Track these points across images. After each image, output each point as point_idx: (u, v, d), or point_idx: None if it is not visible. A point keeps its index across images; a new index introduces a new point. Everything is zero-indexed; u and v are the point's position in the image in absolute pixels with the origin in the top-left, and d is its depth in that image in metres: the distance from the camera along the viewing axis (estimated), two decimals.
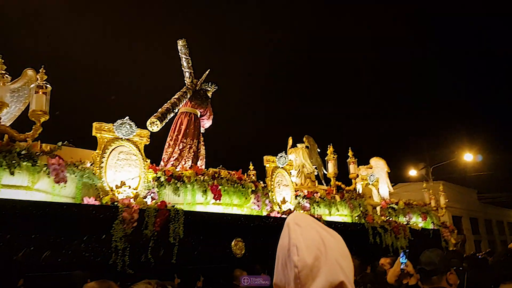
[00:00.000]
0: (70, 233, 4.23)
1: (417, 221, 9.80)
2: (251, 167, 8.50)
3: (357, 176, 8.58)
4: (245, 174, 7.74)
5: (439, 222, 10.48)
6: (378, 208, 8.66)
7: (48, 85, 4.46)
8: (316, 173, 8.50)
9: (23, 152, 4.01)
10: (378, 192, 9.26)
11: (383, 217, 8.65)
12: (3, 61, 4.44)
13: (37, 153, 4.06)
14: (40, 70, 4.50)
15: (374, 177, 9.10)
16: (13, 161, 3.90)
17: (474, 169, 22.17)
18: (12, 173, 3.89)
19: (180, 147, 6.48)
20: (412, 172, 21.23)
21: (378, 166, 10.10)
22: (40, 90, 4.40)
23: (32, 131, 4.36)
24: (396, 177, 10.34)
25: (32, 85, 4.49)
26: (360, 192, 8.51)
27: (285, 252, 1.41)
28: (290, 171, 7.38)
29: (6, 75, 4.40)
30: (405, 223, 9.15)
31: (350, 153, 8.62)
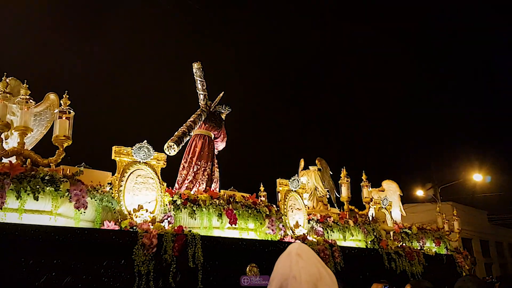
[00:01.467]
0: (90, 258, 4.24)
1: (431, 246, 9.70)
2: (262, 188, 8.51)
3: (371, 200, 8.55)
4: (256, 194, 7.78)
5: (452, 247, 10.37)
6: (391, 233, 8.60)
7: (71, 111, 4.54)
8: (328, 196, 8.48)
9: (46, 177, 4.06)
10: (391, 216, 9.21)
11: (396, 242, 8.58)
12: (27, 86, 4.53)
13: (61, 179, 4.10)
14: (64, 96, 4.58)
15: (387, 201, 9.07)
16: (37, 186, 3.94)
17: (483, 190, 21.99)
18: (36, 198, 3.93)
19: (195, 170, 6.52)
20: (419, 193, 21.07)
21: (391, 189, 10.07)
22: (64, 115, 4.48)
23: (55, 156, 4.42)
24: (402, 198, 10.30)
25: (55, 110, 4.57)
26: (374, 216, 8.46)
27: (283, 281, 1.50)
28: (303, 194, 7.39)
29: (31, 100, 4.49)
30: (418, 248, 9.07)
31: (364, 177, 8.60)
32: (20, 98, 4.38)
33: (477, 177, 19.83)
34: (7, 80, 4.64)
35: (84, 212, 4.36)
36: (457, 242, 11.33)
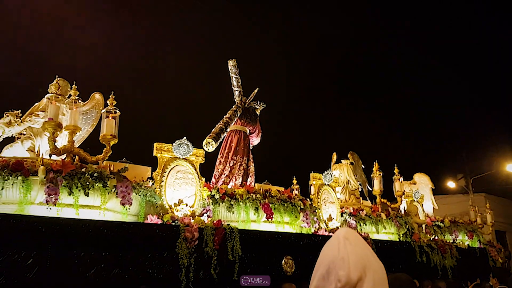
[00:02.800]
0: (136, 251, 4.46)
1: (463, 239, 9.62)
2: (295, 181, 8.62)
3: (403, 193, 8.53)
4: (290, 188, 7.89)
5: (486, 240, 10.24)
6: (423, 226, 8.58)
7: (117, 111, 4.75)
8: (360, 190, 8.52)
9: (95, 174, 4.29)
10: (423, 209, 9.17)
11: (428, 235, 8.56)
12: (76, 87, 4.76)
13: (108, 175, 4.32)
14: (110, 96, 4.80)
15: (419, 194, 9.03)
16: (87, 183, 4.17)
17: None
18: (86, 194, 4.16)
19: (231, 165, 6.68)
20: (451, 184, 20.66)
21: (422, 182, 10.01)
22: (110, 115, 4.69)
23: (102, 153, 4.64)
24: (433, 189, 10.20)
25: (103, 110, 4.79)
26: (406, 209, 8.46)
27: (330, 263, 1.42)
28: (336, 188, 7.46)
29: (79, 101, 4.72)
30: (451, 241, 9.01)
31: (396, 171, 8.59)
32: (70, 99, 4.61)
33: (511, 167, 19.31)
34: (57, 80, 4.89)
35: (129, 208, 4.58)
36: (490, 235, 11.15)
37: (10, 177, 3.95)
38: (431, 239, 8.46)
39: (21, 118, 4.87)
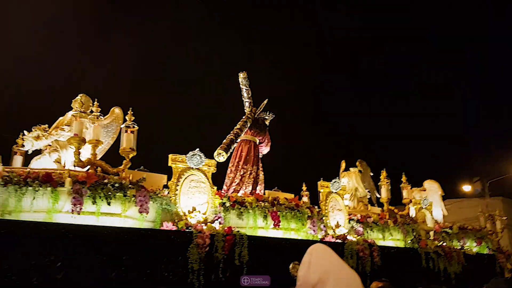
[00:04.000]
0: (153, 255, 4.85)
1: (471, 246, 9.75)
2: (304, 188, 8.91)
3: (410, 201, 8.75)
4: (299, 194, 8.19)
5: (495, 246, 10.34)
6: (431, 233, 8.77)
7: (135, 125, 5.16)
8: (369, 197, 8.77)
9: (116, 184, 4.69)
10: (432, 216, 9.35)
11: (436, 242, 8.74)
12: (98, 103, 5.19)
13: (128, 186, 4.72)
14: (129, 112, 5.21)
15: (428, 201, 9.22)
16: (109, 193, 4.58)
17: None
18: (109, 204, 4.57)
19: (241, 173, 7.04)
20: (466, 188, 20.56)
21: (432, 189, 10.17)
22: (129, 129, 5.11)
23: (122, 165, 5.05)
24: (449, 192, 10.33)
25: (122, 125, 5.21)
26: (414, 216, 8.67)
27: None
28: (343, 195, 7.74)
29: (101, 116, 5.14)
30: (459, 247, 9.17)
31: (403, 178, 8.82)
32: (93, 114, 5.04)
33: None
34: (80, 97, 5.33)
35: (147, 215, 4.97)
36: (503, 238, 11.16)
37: (40, 188, 4.38)
38: (438, 245, 8.63)
39: (48, 132, 5.32)
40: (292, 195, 7.73)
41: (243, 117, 7.33)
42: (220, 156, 6.40)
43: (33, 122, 5.69)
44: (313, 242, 6.49)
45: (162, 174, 6.34)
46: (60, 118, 5.49)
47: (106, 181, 4.67)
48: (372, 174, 8.95)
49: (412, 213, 9.07)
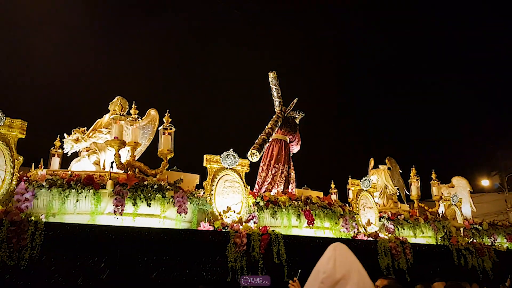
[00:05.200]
0: (191, 255, 4.91)
1: (502, 242, 9.61)
2: (333, 185, 8.90)
3: (441, 198, 8.66)
4: (329, 195, 8.18)
5: None
6: (461, 230, 8.67)
7: (172, 127, 5.21)
8: (398, 194, 8.70)
9: (155, 186, 4.75)
10: (461, 213, 9.24)
11: (466, 238, 8.65)
12: (136, 106, 5.26)
13: (167, 187, 4.78)
14: (166, 115, 5.27)
15: (457, 198, 9.11)
16: (149, 194, 4.64)
17: None
18: (149, 205, 4.64)
19: (273, 172, 7.06)
20: (485, 182, 20.23)
21: (460, 185, 10.05)
22: (166, 131, 5.16)
23: (161, 167, 5.12)
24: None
25: (160, 127, 5.27)
26: (443, 213, 8.58)
27: (318, 266, 1.94)
28: (374, 193, 7.70)
29: (139, 118, 5.20)
30: (489, 244, 9.05)
31: (433, 175, 8.72)
32: (131, 117, 5.11)
33: None
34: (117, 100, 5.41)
35: (185, 216, 5.03)
36: None
37: (83, 191, 4.47)
38: (469, 242, 8.54)
39: (86, 135, 5.41)
40: (321, 193, 7.74)
41: (274, 116, 7.34)
42: (254, 156, 6.43)
43: (68, 125, 5.83)
44: (347, 240, 6.53)
45: (194, 174, 6.41)
46: (98, 120, 5.59)
47: (145, 182, 4.74)
48: (401, 171, 8.87)
49: (442, 209, 8.98)
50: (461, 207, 9.50)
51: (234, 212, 5.72)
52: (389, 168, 8.68)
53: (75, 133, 5.28)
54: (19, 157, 4.45)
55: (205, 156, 5.76)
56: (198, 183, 6.34)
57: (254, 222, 5.74)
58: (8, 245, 3.80)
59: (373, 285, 1.80)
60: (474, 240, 8.90)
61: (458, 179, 10.19)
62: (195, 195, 5.31)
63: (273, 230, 5.63)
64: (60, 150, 5.90)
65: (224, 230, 5.25)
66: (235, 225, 5.34)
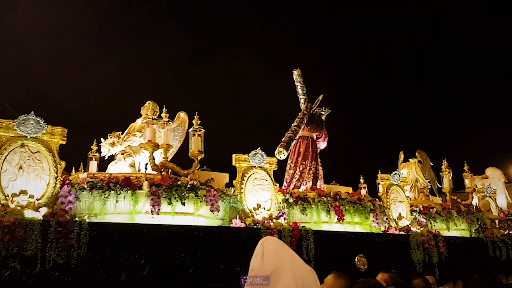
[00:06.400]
0: (225, 252, 5.09)
1: None
2: (362, 180, 8.91)
3: (474, 190, 8.54)
4: (359, 190, 8.21)
5: None
6: (496, 221, 8.53)
7: (202, 129, 5.42)
8: (429, 187, 8.63)
9: (188, 185, 4.96)
10: (496, 204, 9.08)
11: (502, 230, 8.49)
12: (166, 110, 5.49)
13: (200, 186, 4.98)
14: (195, 117, 5.48)
15: (491, 189, 8.96)
16: (183, 194, 4.86)
17: None
18: (183, 204, 4.85)
19: (301, 169, 7.17)
20: None
21: (495, 176, 9.85)
22: (196, 133, 5.37)
23: (192, 167, 5.33)
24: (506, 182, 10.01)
25: (190, 130, 5.49)
26: (477, 205, 8.46)
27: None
28: (404, 186, 7.68)
29: (169, 121, 5.43)
30: None
31: (465, 167, 8.61)
32: (162, 120, 5.35)
33: None
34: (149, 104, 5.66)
35: (218, 214, 5.22)
36: None
37: (122, 192, 4.72)
38: (505, 234, 8.38)
39: (121, 138, 5.69)
40: (350, 189, 7.79)
41: (299, 113, 7.44)
42: (281, 154, 6.56)
43: (100, 130, 6.13)
44: (377, 235, 6.58)
45: (223, 173, 6.60)
46: (131, 124, 5.85)
47: (179, 182, 4.95)
48: (432, 164, 8.79)
49: (475, 201, 8.85)
50: (495, 198, 9.33)
51: (264, 209, 5.87)
52: (419, 161, 8.62)
53: (111, 138, 5.56)
54: (61, 162, 4.74)
55: (233, 155, 5.94)
56: (227, 181, 6.53)
57: (284, 219, 5.87)
58: (57, 245, 4.08)
59: (313, 271, 1.72)
60: (510, 232, 8.72)
61: (492, 169, 9.99)
62: (226, 194, 5.49)
63: (303, 226, 5.74)
64: (97, 154, 6.20)
65: (255, 226, 5.41)
66: (266, 221, 5.49)
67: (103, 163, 6.28)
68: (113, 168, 5.58)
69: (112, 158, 5.99)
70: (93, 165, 6.30)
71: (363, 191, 8.41)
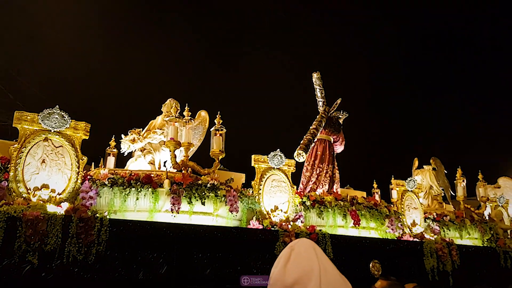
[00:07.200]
0: (242, 253, 5.07)
1: None
2: (375, 185, 8.88)
3: (488, 199, 8.48)
4: (374, 195, 8.18)
5: None
6: (509, 231, 8.48)
7: (223, 128, 5.39)
8: (443, 195, 8.59)
9: (208, 185, 4.94)
10: (508, 214, 9.02)
11: None
12: (188, 108, 5.46)
13: (219, 186, 4.96)
14: (217, 116, 5.45)
15: (504, 199, 8.90)
16: (203, 193, 4.83)
17: None
18: (203, 203, 4.83)
19: (317, 172, 7.14)
20: None
21: (507, 186, 9.78)
22: (218, 132, 5.35)
23: (213, 166, 5.30)
24: None
25: (211, 129, 5.46)
26: (490, 214, 8.41)
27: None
28: (418, 193, 7.64)
29: (191, 120, 5.41)
30: None
31: (480, 176, 8.55)
32: (184, 119, 5.32)
33: None
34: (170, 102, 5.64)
35: (236, 214, 5.20)
36: None
37: (142, 189, 4.71)
38: None
39: (142, 135, 5.67)
40: (364, 193, 7.76)
41: (317, 116, 7.41)
42: (300, 156, 6.54)
43: (118, 126, 6.13)
44: (392, 241, 6.54)
45: (240, 173, 6.58)
46: (151, 121, 5.84)
47: (199, 182, 4.93)
48: (446, 172, 8.74)
49: (488, 211, 8.80)
50: (508, 208, 9.26)
51: (282, 211, 5.84)
52: (434, 169, 8.58)
53: (132, 134, 5.54)
54: (84, 157, 4.72)
55: (253, 156, 5.92)
56: (244, 182, 6.51)
57: (301, 222, 5.84)
58: (78, 240, 4.07)
59: (347, 283, 1.43)
60: None
61: (504, 179, 9.92)
62: (245, 194, 5.46)
63: (320, 230, 5.72)
64: (115, 150, 6.19)
65: (273, 228, 5.39)
66: (283, 224, 5.46)
67: (121, 159, 6.27)
68: (133, 165, 5.56)
69: (129, 154, 5.98)
70: (110, 161, 6.29)
71: (376, 196, 8.37)
